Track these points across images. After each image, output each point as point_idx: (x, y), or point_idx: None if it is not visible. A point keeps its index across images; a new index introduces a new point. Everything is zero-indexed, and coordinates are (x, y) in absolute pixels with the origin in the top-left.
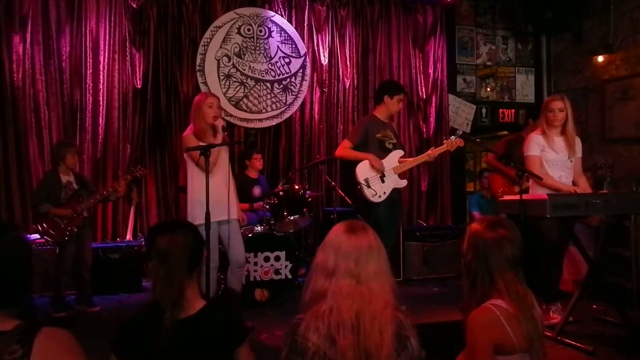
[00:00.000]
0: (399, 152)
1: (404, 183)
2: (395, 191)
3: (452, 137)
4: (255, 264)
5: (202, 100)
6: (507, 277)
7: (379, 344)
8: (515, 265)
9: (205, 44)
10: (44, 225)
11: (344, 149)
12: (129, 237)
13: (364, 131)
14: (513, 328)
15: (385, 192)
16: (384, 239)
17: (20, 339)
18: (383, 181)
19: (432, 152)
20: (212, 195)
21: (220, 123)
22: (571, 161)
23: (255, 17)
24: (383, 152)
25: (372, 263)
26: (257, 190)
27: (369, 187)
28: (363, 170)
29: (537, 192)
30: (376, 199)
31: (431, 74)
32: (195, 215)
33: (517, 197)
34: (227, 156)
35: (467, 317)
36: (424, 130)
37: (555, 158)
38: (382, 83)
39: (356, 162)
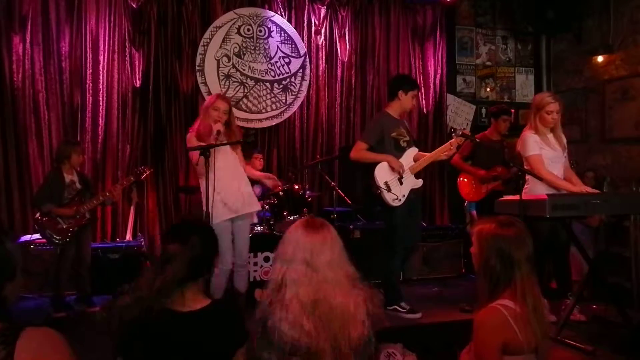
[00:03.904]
0: (413, 150)
1: (420, 183)
2: (413, 192)
3: (458, 130)
4: (255, 264)
5: (210, 101)
6: (527, 277)
7: (343, 323)
8: (533, 263)
9: (205, 44)
10: (46, 226)
11: (359, 151)
12: (128, 237)
13: (379, 130)
14: (521, 328)
15: (404, 195)
16: (399, 241)
17: (2, 341)
18: (401, 183)
19: (453, 142)
20: (222, 194)
21: (216, 127)
22: (565, 157)
23: (255, 17)
24: (398, 151)
25: (326, 254)
26: (257, 190)
27: (389, 191)
28: (382, 173)
29: (538, 192)
30: (396, 203)
31: (431, 74)
32: (215, 215)
33: (517, 197)
34: (234, 155)
35: (475, 318)
36: (424, 130)
37: (553, 155)
38: (396, 78)
39: (373, 164)
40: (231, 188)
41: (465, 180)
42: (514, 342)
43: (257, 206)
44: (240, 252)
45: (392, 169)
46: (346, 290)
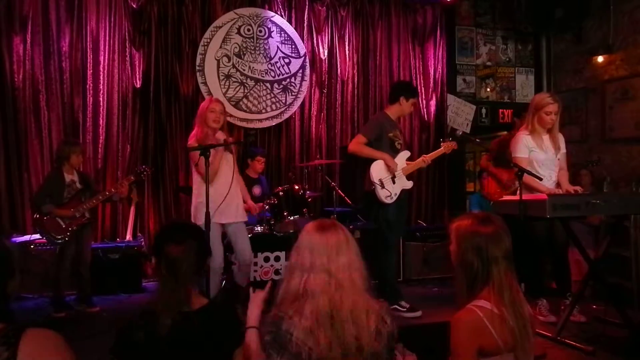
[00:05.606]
0: (406, 153)
1: (410, 184)
2: (403, 192)
3: (449, 139)
4: (256, 264)
5: (205, 105)
6: (505, 273)
7: (356, 331)
8: (511, 260)
9: (205, 44)
10: (45, 226)
11: (358, 145)
12: (128, 237)
13: (379, 128)
14: (497, 329)
15: (396, 193)
16: (392, 238)
17: (5, 342)
18: (394, 182)
19: (449, 146)
20: (216, 198)
21: (221, 136)
22: (558, 159)
23: (255, 18)
24: (394, 151)
25: (342, 257)
26: (257, 190)
27: (382, 187)
28: (377, 170)
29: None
30: (388, 200)
31: (431, 74)
32: (198, 217)
33: (515, 197)
34: (232, 159)
35: (451, 319)
36: (424, 130)
37: (544, 157)
38: (399, 84)
39: (369, 159)
40: (222, 194)
41: (491, 181)
42: (490, 344)
43: (240, 217)
44: (242, 251)
45: (388, 167)
46: (359, 295)
